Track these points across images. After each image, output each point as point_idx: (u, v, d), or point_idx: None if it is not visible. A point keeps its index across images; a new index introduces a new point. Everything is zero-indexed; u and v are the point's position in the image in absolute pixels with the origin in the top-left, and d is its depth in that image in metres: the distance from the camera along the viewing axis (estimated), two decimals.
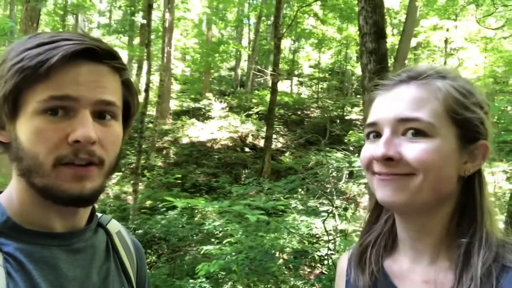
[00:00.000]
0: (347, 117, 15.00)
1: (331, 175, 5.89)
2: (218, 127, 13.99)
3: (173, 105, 16.64)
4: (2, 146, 0.70)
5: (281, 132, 14.42)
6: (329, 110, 15.09)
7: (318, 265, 5.47)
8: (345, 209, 5.52)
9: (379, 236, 0.85)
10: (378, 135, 0.74)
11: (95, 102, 0.66)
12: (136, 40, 17.62)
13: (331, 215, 5.19)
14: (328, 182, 6.19)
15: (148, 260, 6.34)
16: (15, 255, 0.65)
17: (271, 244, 4.46)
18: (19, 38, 0.81)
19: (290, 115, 15.87)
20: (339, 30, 16.21)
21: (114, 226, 0.88)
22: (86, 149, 0.65)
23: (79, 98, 0.65)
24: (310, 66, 20.20)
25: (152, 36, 15.13)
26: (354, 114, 15.26)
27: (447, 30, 10.85)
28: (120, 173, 11.04)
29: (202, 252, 4.85)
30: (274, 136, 12.74)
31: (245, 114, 14.94)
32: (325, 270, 4.99)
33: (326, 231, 4.88)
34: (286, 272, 4.93)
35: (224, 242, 5.02)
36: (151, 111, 13.83)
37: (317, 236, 5.80)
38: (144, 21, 11.00)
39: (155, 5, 13.71)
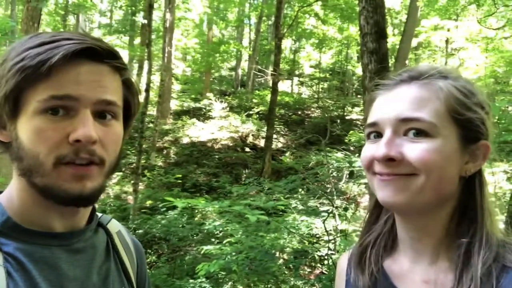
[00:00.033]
0: (347, 117, 14.99)
1: (332, 175, 5.89)
2: (219, 127, 13.99)
3: (174, 105, 16.64)
4: (2, 146, 0.70)
5: (282, 132, 14.42)
6: (329, 110, 15.08)
7: (318, 265, 5.47)
8: (345, 209, 5.51)
9: (379, 236, 0.84)
10: (379, 135, 0.74)
11: (96, 102, 0.66)
12: (137, 40, 17.65)
13: (331, 215, 5.19)
14: (328, 182, 6.19)
15: (148, 260, 6.34)
16: (15, 255, 0.65)
17: (271, 244, 4.46)
18: (20, 38, 0.81)
19: (291, 115, 15.88)
20: (340, 30, 16.21)
21: (114, 226, 0.88)
22: (87, 148, 0.65)
23: (80, 97, 0.65)
24: (311, 66, 20.20)
25: (153, 36, 15.16)
26: (354, 114, 15.26)
27: (448, 30, 10.85)
28: (121, 173, 11.04)
29: (202, 252, 4.85)
30: (274, 136, 12.74)
31: (245, 114, 14.94)
32: (325, 270, 4.99)
33: (326, 231, 4.88)
34: (286, 272, 4.93)
35: (224, 242, 5.01)
36: (152, 111, 13.84)
37: (317, 236, 5.80)
38: (145, 21, 11.00)
39: (156, 5, 13.74)
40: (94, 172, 0.67)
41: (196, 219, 7.11)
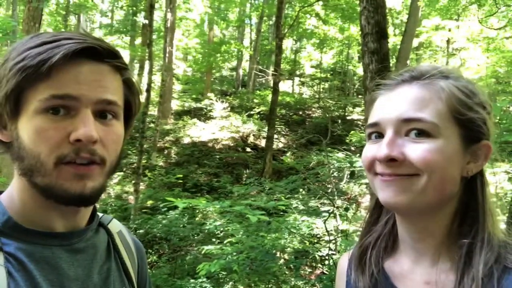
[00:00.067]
0: (348, 117, 14.99)
1: (332, 175, 5.88)
2: (220, 127, 14.00)
3: (175, 105, 16.66)
4: (3, 146, 0.70)
5: (283, 132, 14.42)
6: (330, 110, 15.07)
7: (319, 265, 5.47)
8: (346, 209, 5.50)
9: (379, 237, 0.84)
10: (380, 135, 0.73)
11: (97, 101, 0.66)
12: (138, 40, 17.65)
13: (332, 215, 5.19)
14: (329, 182, 6.18)
15: (149, 259, 6.34)
16: (16, 255, 0.65)
17: (272, 244, 4.46)
18: (21, 38, 0.81)
19: (292, 115, 15.87)
20: (341, 30, 16.20)
21: (115, 225, 0.88)
22: (88, 148, 0.65)
23: (81, 97, 0.65)
24: (312, 66, 20.21)
25: (154, 36, 15.17)
26: (355, 114, 15.26)
27: (449, 30, 10.84)
28: (122, 173, 11.05)
29: (203, 252, 4.85)
30: (275, 136, 12.74)
31: (246, 114, 14.94)
32: (326, 270, 4.99)
33: (327, 231, 4.88)
34: (287, 272, 4.93)
35: (225, 242, 5.02)
36: (153, 111, 13.86)
37: (318, 236, 5.80)
38: (146, 21, 11.00)
39: (157, 5, 13.74)
40: (95, 172, 0.67)
41: (197, 219, 7.11)
